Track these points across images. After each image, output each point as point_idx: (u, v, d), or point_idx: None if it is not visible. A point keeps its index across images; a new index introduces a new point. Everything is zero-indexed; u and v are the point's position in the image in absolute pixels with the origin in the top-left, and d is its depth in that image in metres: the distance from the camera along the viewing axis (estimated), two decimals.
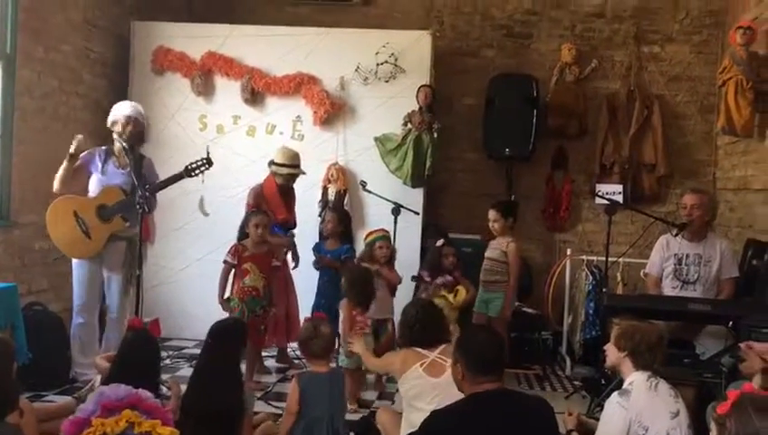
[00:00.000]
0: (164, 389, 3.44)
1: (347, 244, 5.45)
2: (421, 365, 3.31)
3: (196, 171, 4.61)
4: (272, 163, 5.31)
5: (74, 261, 4.69)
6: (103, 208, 4.53)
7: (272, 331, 5.15)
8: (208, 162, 4.61)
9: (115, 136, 4.67)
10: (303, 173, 5.42)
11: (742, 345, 3.38)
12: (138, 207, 4.28)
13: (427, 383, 3.25)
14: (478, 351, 2.70)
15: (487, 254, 5.23)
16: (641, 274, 5.30)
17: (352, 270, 4.88)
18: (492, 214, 5.22)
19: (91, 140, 4.84)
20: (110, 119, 4.73)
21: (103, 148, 4.74)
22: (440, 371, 3.26)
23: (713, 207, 4.96)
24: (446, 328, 3.74)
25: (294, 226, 5.49)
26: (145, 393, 2.42)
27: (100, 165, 4.66)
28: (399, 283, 5.14)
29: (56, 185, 4.58)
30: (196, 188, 5.94)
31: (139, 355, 3.09)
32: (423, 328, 3.50)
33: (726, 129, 5.79)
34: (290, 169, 5.27)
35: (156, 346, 3.30)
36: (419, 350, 3.40)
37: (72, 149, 4.49)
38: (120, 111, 4.71)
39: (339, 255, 5.34)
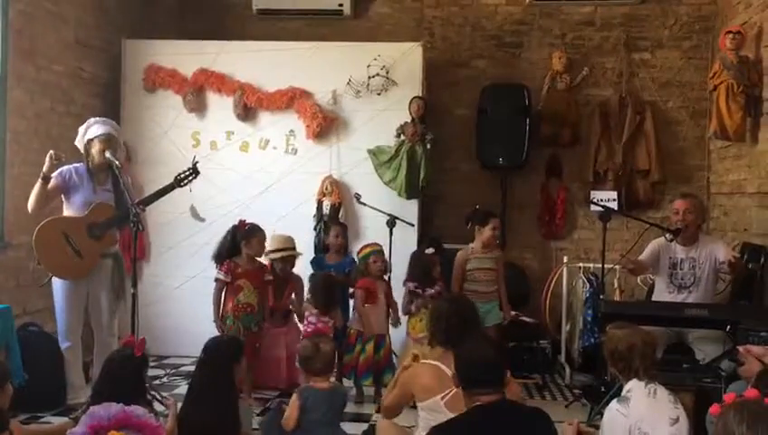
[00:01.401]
0: (161, 406, 3.40)
1: (347, 256, 5.44)
2: (443, 398, 3.08)
3: (185, 181, 4.58)
4: (268, 253, 5.16)
5: (56, 283, 4.58)
6: (94, 226, 4.50)
7: (271, 371, 5.07)
8: (195, 171, 4.58)
9: (95, 154, 4.57)
10: (299, 254, 5.26)
11: (740, 349, 3.38)
12: (132, 225, 4.25)
13: (444, 418, 3.01)
14: (470, 364, 2.67)
15: (481, 265, 5.12)
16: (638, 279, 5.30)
17: (317, 276, 5.05)
18: (497, 222, 5.20)
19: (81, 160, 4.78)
20: (84, 138, 4.62)
21: (76, 165, 4.63)
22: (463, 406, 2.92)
23: (703, 210, 4.97)
24: (481, 325, 3.59)
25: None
26: (136, 410, 2.39)
27: (79, 183, 4.58)
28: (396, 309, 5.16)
29: (31, 206, 4.49)
30: (186, 199, 6.00)
31: (121, 374, 3.04)
32: (461, 321, 3.30)
33: (719, 133, 5.81)
34: (281, 252, 5.12)
35: (136, 364, 3.25)
36: (445, 368, 3.10)
37: (45, 169, 4.40)
38: (95, 130, 4.59)
39: (343, 268, 5.33)
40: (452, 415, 3.00)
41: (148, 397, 3.11)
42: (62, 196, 4.60)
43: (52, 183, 4.50)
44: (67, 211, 4.61)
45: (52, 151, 4.42)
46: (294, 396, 3.41)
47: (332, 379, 3.86)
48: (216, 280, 4.83)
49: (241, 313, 4.76)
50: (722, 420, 2.00)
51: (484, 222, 5.16)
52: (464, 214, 5.42)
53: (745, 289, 5.03)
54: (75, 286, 4.57)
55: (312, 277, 5.11)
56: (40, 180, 4.45)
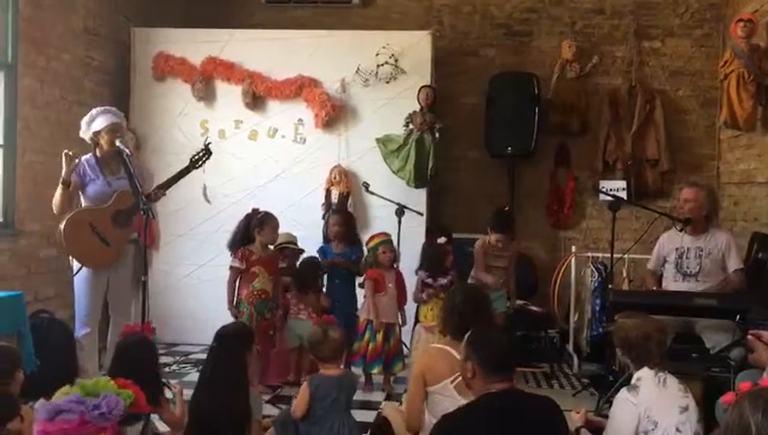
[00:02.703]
0: (169, 393, 3.42)
1: (354, 245, 5.43)
2: (452, 382, 3.11)
3: (200, 163, 4.63)
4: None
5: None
6: (119, 214, 4.51)
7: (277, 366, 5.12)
8: (208, 152, 4.64)
9: (104, 145, 4.54)
10: (302, 250, 5.28)
11: (750, 335, 3.37)
12: (142, 212, 4.27)
13: (455, 403, 3.02)
14: (493, 350, 2.67)
15: (494, 262, 5.13)
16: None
17: (305, 260, 5.16)
18: (501, 238, 5.05)
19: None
20: (90, 130, 4.56)
21: (87, 156, 4.58)
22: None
23: (711, 201, 4.89)
24: (494, 316, 3.60)
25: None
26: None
27: (93, 175, 4.54)
28: (405, 302, 5.15)
29: (57, 210, 4.45)
30: (195, 189, 6.05)
31: (134, 358, 3.07)
32: (474, 313, 3.30)
33: (729, 122, 5.78)
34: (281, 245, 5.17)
35: (150, 347, 3.27)
36: (455, 353, 3.11)
37: (64, 174, 4.35)
38: (101, 122, 4.54)
39: (349, 256, 5.33)
40: (460, 398, 3.04)
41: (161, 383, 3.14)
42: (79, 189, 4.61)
43: (72, 182, 4.50)
44: (84, 203, 4.62)
45: (67, 151, 4.36)
46: (304, 384, 3.42)
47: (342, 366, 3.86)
48: (231, 268, 4.87)
49: (255, 299, 4.79)
50: (736, 409, 1.98)
51: (492, 229, 5.09)
52: (473, 204, 5.40)
53: (754, 279, 5.01)
54: (97, 273, 4.58)
55: (301, 261, 5.17)
56: (61, 185, 4.39)
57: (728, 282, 4.72)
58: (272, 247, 5.05)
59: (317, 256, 5.35)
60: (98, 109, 4.68)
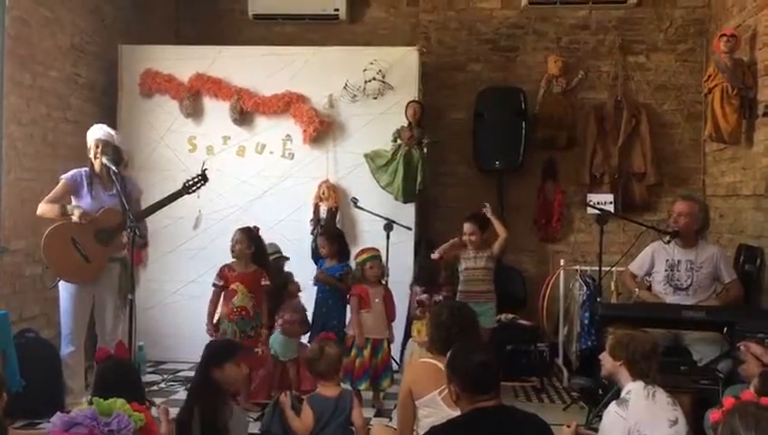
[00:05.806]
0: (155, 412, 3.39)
1: (344, 262, 5.42)
2: (440, 393, 3.13)
3: (193, 188, 4.62)
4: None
5: (62, 287, 4.59)
6: (101, 231, 4.50)
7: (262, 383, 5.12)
8: (204, 178, 4.62)
9: (94, 160, 4.63)
10: (287, 258, 5.36)
11: (741, 346, 3.38)
12: (129, 230, 4.25)
13: (443, 414, 3.07)
14: (473, 370, 2.66)
15: (474, 264, 5.21)
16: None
17: (277, 275, 5.11)
18: (468, 227, 5.23)
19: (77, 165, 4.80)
20: (88, 144, 4.69)
21: (84, 169, 4.66)
22: None
23: (703, 216, 4.93)
24: (480, 331, 3.63)
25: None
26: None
27: (86, 188, 4.60)
28: (393, 319, 5.12)
29: (40, 214, 4.55)
30: (191, 210, 6.06)
31: (113, 382, 3.04)
32: (461, 330, 3.33)
33: (714, 136, 5.83)
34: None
35: (127, 369, 3.24)
36: (442, 366, 3.12)
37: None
38: (90, 136, 4.67)
39: (333, 273, 5.33)
40: (449, 410, 3.03)
41: (146, 403, 3.10)
42: (72, 198, 4.62)
43: (61, 186, 4.57)
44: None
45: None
46: (304, 404, 3.41)
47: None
48: (213, 285, 4.90)
49: (236, 316, 4.76)
50: (727, 428, 1.98)
51: (463, 227, 5.27)
52: (462, 219, 5.44)
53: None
54: (81, 291, 4.58)
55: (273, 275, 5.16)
56: (61, 215, 4.48)
57: (728, 291, 4.74)
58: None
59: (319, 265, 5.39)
60: (94, 126, 4.77)
